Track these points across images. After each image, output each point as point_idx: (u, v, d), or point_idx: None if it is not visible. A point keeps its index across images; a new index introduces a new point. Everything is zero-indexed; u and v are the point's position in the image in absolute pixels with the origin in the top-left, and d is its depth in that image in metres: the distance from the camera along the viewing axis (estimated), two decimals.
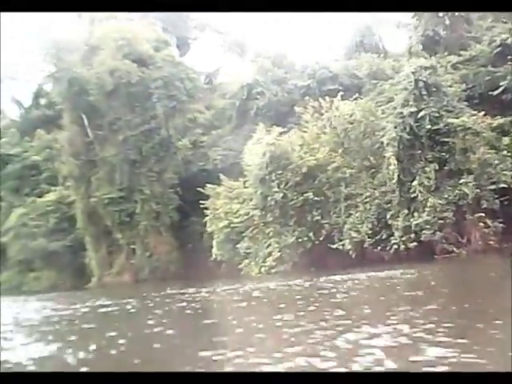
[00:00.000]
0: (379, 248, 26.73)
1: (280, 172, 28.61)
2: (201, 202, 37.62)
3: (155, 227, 36.73)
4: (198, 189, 36.69)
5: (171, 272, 36.67)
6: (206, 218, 31.10)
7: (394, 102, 26.76)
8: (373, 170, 28.53)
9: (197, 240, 38.15)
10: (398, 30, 42.32)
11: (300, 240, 28.41)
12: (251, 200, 29.68)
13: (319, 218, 28.39)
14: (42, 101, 54.13)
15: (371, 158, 28.64)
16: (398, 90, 26.89)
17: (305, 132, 30.02)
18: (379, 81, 32.92)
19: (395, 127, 25.90)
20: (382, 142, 27.73)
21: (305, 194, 28.25)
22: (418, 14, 34.14)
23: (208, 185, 32.18)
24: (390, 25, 43.19)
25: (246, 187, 30.54)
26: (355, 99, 29.89)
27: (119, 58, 36.82)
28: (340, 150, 28.82)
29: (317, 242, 28.44)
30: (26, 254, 42.43)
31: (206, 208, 31.98)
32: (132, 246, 37.04)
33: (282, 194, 28.28)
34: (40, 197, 46.48)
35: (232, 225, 29.36)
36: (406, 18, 36.07)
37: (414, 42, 33.67)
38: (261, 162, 28.90)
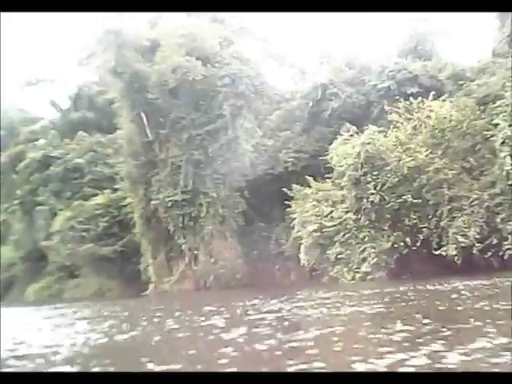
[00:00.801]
0: (489, 254, 25.20)
1: (376, 173, 27.02)
2: (267, 206, 36.28)
3: (221, 232, 34.90)
4: (269, 192, 35.37)
5: (236, 280, 34.80)
6: (294, 222, 29.34)
7: (505, 100, 25.34)
8: (475, 172, 27.10)
9: (262, 247, 36.47)
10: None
11: (396, 245, 26.81)
12: (342, 202, 28.03)
13: (417, 221, 26.80)
14: (83, 103, 52.39)
15: (471, 159, 27.16)
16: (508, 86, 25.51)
17: (396, 132, 28.51)
18: (465, 81, 31.54)
19: (510, 125, 24.44)
20: (486, 142, 26.33)
21: (403, 197, 26.66)
22: (501, 14, 32.91)
23: (295, 185, 30.52)
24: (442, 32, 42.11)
25: (333, 188, 28.95)
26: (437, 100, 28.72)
27: (182, 54, 35.17)
28: (439, 152, 27.32)
29: (413, 248, 26.88)
30: (73, 259, 40.40)
31: (290, 210, 30.38)
32: (196, 252, 35.12)
33: (378, 197, 26.66)
34: (86, 200, 44.58)
35: (324, 229, 27.61)
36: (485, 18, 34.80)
37: (500, 43, 32.40)
38: (355, 163, 27.30)
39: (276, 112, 35.97)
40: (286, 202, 34.94)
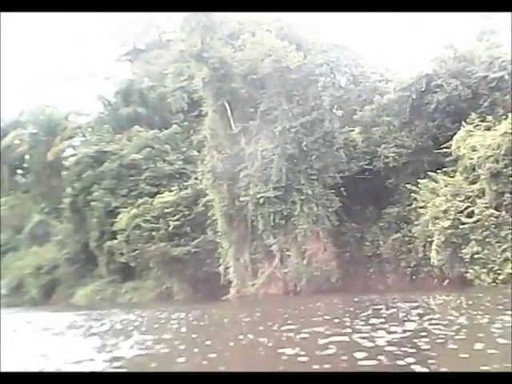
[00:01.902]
0: None
1: None
2: (360, 204, 34.01)
3: (314, 232, 32.33)
4: (363, 189, 33.14)
5: (330, 283, 32.23)
6: (426, 217, 26.87)
7: None
8: None
9: (354, 248, 34.02)
10: None
11: None
12: (478, 197, 25.68)
13: None
14: (133, 98, 49.82)
15: None
16: None
17: None
18: None
19: None
20: None
21: None
22: None
23: (420, 180, 28.20)
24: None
25: (463, 183, 26.62)
26: None
27: (274, 40, 32.79)
28: None
29: None
30: (141, 260, 37.58)
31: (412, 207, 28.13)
32: (287, 253, 32.53)
33: None
34: (143, 198, 41.99)
35: (461, 226, 25.19)
36: None
37: None
38: (494, 154, 24.99)
39: (372, 104, 33.59)
40: (392, 199, 32.87)
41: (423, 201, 27.65)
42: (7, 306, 51.80)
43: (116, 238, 40.78)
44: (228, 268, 35.01)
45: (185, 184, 39.63)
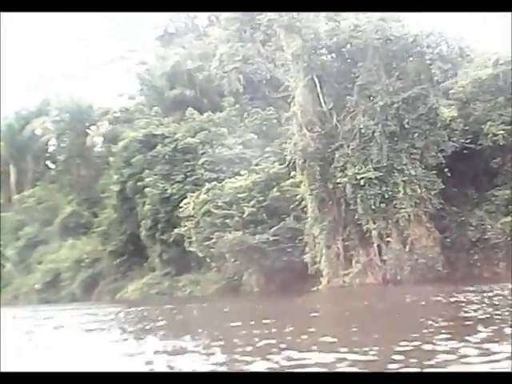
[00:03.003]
0: None
1: None
2: (462, 186, 31.78)
3: (418, 216, 29.96)
4: (465, 169, 30.88)
5: (435, 272, 29.84)
6: None
7: None
8: None
9: (455, 233, 31.65)
10: None
11: None
12: None
13: None
14: (180, 80, 46.94)
15: None
16: None
17: None
18: None
19: None
20: None
21: None
22: None
23: None
24: None
25: None
26: None
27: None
28: None
29: None
30: (217, 249, 34.69)
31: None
32: (387, 239, 30.07)
33: None
34: (200, 185, 39.38)
35: None
36: None
37: None
38: None
39: (474, 78, 31.31)
40: (495, 181, 30.60)
41: None
42: (42, 301, 48.69)
43: (176, 227, 38.09)
44: (315, 257, 32.49)
45: (256, 168, 36.91)
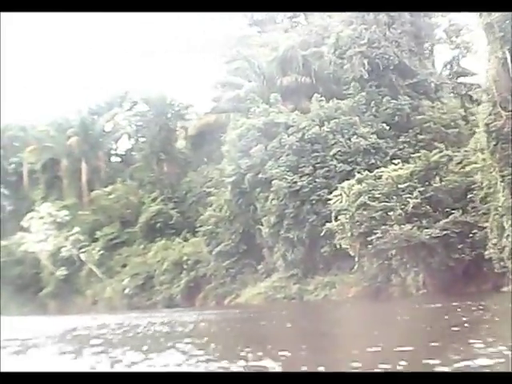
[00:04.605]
0: None
1: None
2: None
3: None
4: None
5: None
6: None
7: None
8: None
9: None
10: None
11: None
12: None
13: None
14: (292, 66, 43.24)
15: None
16: None
17: None
18: None
19: None
20: None
21: None
22: None
23: None
24: None
25: None
26: None
27: None
28: None
29: None
30: (378, 245, 30.57)
31: None
32: None
33: None
34: (332, 177, 35.69)
35: None
36: None
37: None
38: None
39: None
40: None
41: None
42: (132, 307, 44.44)
43: (309, 223, 34.20)
44: (501, 253, 28.46)
45: (413, 156, 33.09)
